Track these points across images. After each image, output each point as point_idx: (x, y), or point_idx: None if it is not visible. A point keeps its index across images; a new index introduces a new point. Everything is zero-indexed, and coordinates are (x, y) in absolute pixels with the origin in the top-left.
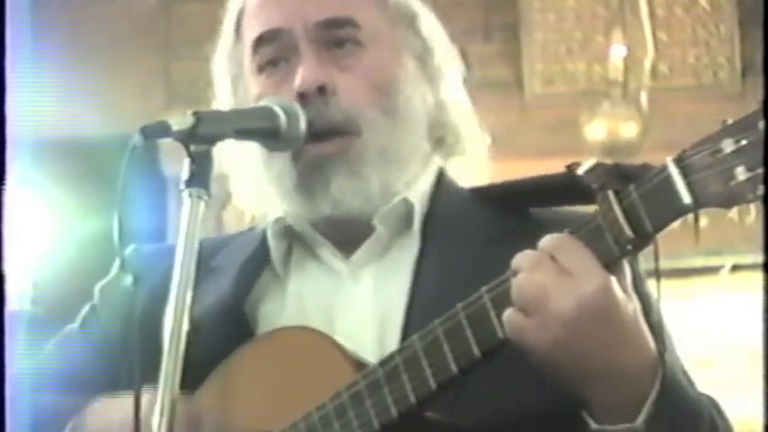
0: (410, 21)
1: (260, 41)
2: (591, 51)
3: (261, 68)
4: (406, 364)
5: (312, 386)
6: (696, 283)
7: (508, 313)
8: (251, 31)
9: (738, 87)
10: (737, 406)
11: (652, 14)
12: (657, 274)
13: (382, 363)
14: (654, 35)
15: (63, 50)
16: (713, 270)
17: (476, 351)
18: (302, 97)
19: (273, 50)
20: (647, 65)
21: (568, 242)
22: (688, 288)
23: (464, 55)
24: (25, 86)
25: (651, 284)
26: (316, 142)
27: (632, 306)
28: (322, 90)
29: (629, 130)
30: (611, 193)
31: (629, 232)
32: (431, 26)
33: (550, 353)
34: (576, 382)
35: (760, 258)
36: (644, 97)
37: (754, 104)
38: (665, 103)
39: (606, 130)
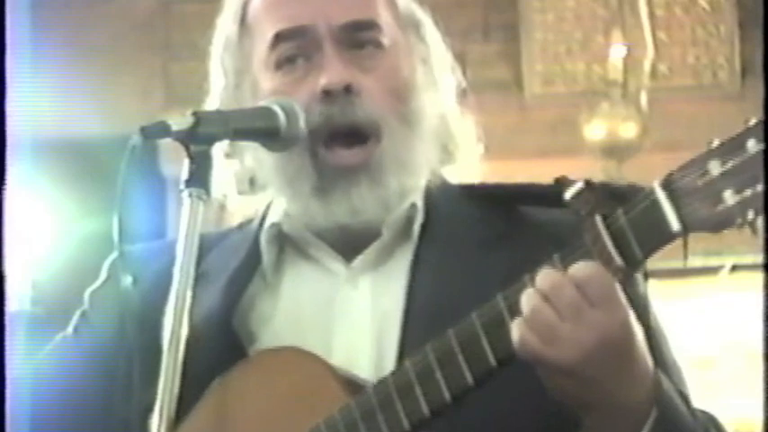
0: (416, 27)
1: (280, 37)
2: (591, 51)
3: (279, 65)
4: (399, 392)
5: (303, 409)
6: (696, 283)
7: (524, 333)
8: (269, 26)
9: (738, 87)
10: (737, 406)
11: (652, 14)
12: (646, 275)
13: (376, 388)
14: (654, 35)
15: (63, 50)
16: (713, 270)
17: (469, 379)
18: (327, 95)
19: (294, 47)
20: (647, 65)
21: (599, 274)
22: (688, 288)
23: (464, 55)
24: (25, 86)
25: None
26: (337, 147)
27: (641, 337)
28: (348, 89)
29: (628, 130)
30: (599, 220)
31: (618, 261)
32: (433, 35)
33: (562, 378)
34: (578, 406)
35: (760, 258)
36: (643, 97)
37: (754, 105)
38: (664, 103)
39: (606, 130)
